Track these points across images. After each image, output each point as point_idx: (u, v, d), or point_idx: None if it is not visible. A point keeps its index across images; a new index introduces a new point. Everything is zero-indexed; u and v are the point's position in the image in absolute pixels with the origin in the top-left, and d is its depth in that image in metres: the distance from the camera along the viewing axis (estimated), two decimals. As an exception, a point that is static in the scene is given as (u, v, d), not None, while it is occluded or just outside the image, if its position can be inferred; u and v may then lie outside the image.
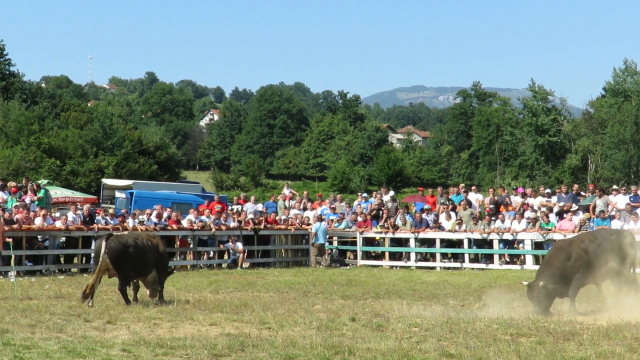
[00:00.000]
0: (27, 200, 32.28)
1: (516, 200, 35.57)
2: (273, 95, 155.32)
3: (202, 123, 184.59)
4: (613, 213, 32.51)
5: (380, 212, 36.66)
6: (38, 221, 29.46)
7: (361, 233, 35.09)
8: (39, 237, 29.86)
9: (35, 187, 34.14)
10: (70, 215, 30.79)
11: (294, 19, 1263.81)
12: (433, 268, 33.43)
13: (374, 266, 34.19)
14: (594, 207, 33.33)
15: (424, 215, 34.92)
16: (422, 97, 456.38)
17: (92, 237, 30.02)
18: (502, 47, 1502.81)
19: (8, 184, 34.50)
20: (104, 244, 18.61)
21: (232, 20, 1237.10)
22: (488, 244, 33.41)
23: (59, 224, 30.09)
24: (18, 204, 30.99)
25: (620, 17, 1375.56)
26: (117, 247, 18.70)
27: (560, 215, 33.35)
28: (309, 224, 36.09)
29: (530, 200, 35.17)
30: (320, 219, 35.37)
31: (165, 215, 33.29)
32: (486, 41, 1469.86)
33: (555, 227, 32.40)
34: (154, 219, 32.56)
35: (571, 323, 15.60)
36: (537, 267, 31.31)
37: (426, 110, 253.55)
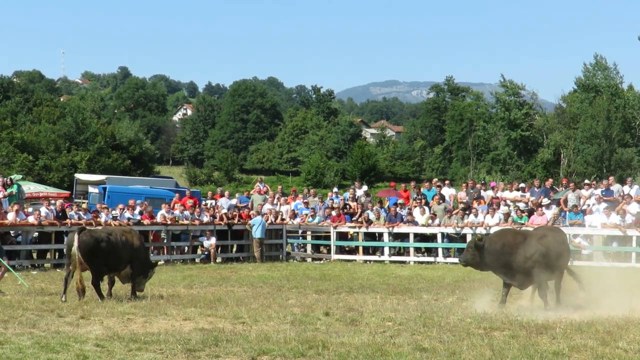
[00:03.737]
0: (0, 195, 32.09)
1: (488, 194, 35.70)
2: (246, 90, 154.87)
3: (176, 118, 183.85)
4: (585, 207, 32.75)
5: (348, 207, 36.73)
6: (11, 216, 29.32)
7: (335, 227, 35.11)
8: (11, 232, 29.73)
9: (8, 182, 33.93)
10: (43, 210, 30.65)
11: (267, 14, 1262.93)
12: (407, 262, 33.48)
13: (348, 261, 34.24)
14: (565, 201, 33.56)
15: (397, 210, 34.96)
16: (395, 91, 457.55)
17: (65, 233, 29.91)
18: (475, 42, 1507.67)
19: (-21, 179, 34.26)
20: (76, 237, 18.54)
21: (205, 15, 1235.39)
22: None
23: (31, 219, 29.95)
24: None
25: (591, 12, 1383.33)
26: (89, 242, 18.59)
27: (531, 210, 33.48)
28: (283, 219, 36.22)
29: (503, 194, 35.31)
30: (259, 213, 35.38)
31: (138, 210, 33.25)
32: (459, 36, 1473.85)
33: (527, 221, 32.55)
34: (127, 213, 32.49)
35: (544, 317, 15.68)
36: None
37: (399, 105, 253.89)
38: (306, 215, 36.34)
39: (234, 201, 37.67)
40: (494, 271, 18.08)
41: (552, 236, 18.32)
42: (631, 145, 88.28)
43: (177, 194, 40.52)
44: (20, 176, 49.44)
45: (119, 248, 19.22)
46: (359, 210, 35.91)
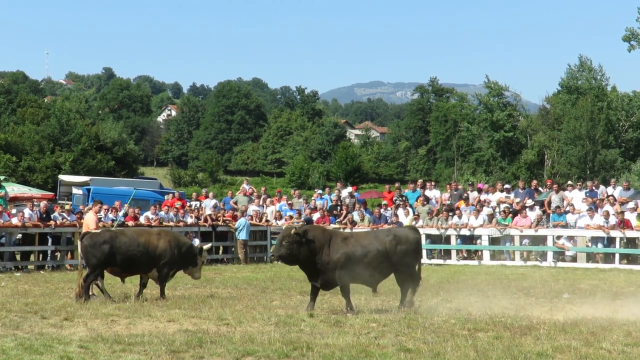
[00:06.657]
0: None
1: (474, 195, 35.75)
2: (231, 91, 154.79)
3: (160, 119, 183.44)
4: (568, 208, 32.84)
5: (339, 207, 36.70)
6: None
7: (319, 229, 34.99)
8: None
9: (-2, 183, 33.96)
10: (27, 211, 30.54)
11: (251, 15, 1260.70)
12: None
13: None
14: (549, 203, 33.64)
15: (382, 211, 34.96)
16: (380, 92, 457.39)
17: (48, 234, 29.89)
18: (459, 43, 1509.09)
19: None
20: (79, 243, 19.43)
21: (190, 16, 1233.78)
22: (445, 239, 33.52)
23: (15, 221, 29.85)
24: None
25: (576, 13, 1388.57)
26: (87, 244, 19.17)
27: (514, 212, 33.54)
28: (267, 221, 36.19)
29: (487, 196, 35.37)
30: (243, 214, 35.34)
31: (122, 211, 33.20)
32: (444, 37, 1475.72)
33: (511, 222, 32.63)
34: (110, 215, 32.44)
35: (528, 318, 15.71)
36: (494, 262, 31.82)
37: (384, 106, 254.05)
38: (291, 217, 36.27)
39: (215, 202, 37.70)
40: (302, 268, 17.62)
41: (365, 236, 18.11)
42: (614, 147, 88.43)
43: (169, 195, 40.59)
44: (3, 177, 49.36)
45: (130, 251, 19.44)
46: (344, 212, 35.89)
